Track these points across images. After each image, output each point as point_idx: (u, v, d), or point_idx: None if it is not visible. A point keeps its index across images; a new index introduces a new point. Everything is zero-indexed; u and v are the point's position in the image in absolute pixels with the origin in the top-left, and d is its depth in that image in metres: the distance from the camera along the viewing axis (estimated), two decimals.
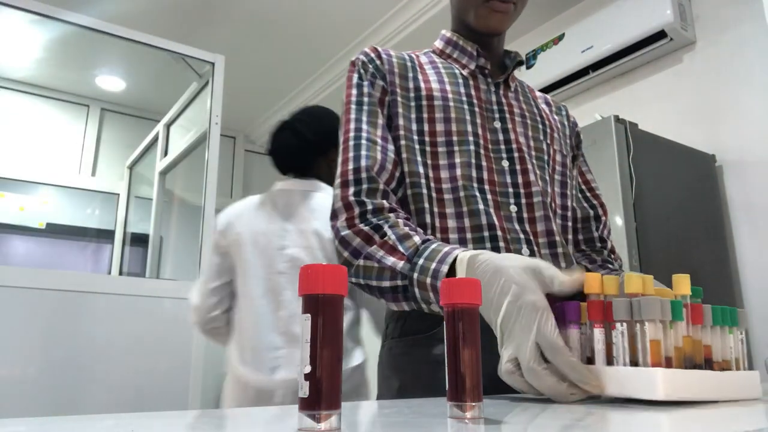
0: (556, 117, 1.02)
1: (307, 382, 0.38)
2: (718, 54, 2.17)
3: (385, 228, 0.75)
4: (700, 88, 2.20)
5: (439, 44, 1.00)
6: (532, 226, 0.85)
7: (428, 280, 0.66)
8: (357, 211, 0.77)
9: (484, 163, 0.87)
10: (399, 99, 0.90)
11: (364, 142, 0.84)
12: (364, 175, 0.80)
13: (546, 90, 2.66)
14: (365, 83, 0.90)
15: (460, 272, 0.62)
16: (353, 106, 0.88)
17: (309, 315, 0.39)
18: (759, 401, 0.54)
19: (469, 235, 0.81)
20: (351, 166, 0.81)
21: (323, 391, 0.37)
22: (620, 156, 1.73)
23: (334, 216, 0.79)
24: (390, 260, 0.71)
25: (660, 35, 2.22)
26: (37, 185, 3.52)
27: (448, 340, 0.45)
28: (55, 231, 3.53)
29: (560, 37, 2.57)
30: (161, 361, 1.94)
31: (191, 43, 2.35)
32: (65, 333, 1.90)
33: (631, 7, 2.31)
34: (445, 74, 0.95)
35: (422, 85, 0.92)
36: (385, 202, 0.78)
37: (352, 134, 0.85)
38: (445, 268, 0.65)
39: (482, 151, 0.88)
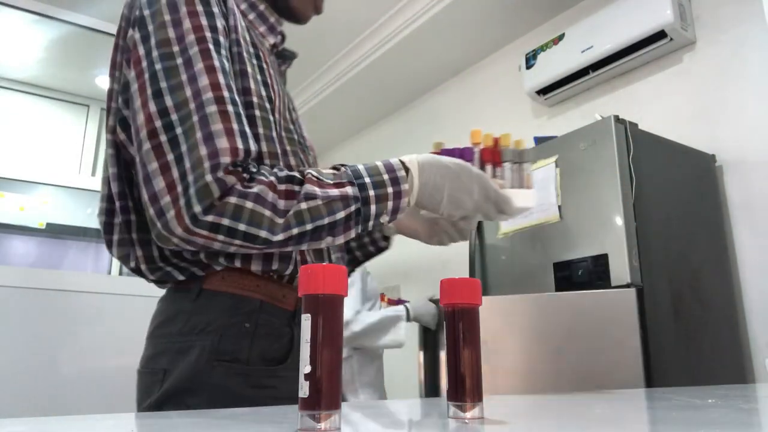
0: None
1: (307, 382, 0.38)
2: (718, 54, 2.17)
3: (281, 174, 0.64)
4: (700, 88, 2.20)
5: None
6: None
7: (390, 190, 0.67)
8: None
9: (302, 157, 0.78)
10: (245, 53, 0.71)
11: (241, 111, 0.65)
12: (253, 169, 0.64)
13: (546, 90, 2.66)
14: (216, 12, 0.67)
15: (417, 174, 0.70)
16: (212, 47, 0.65)
17: (309, 315, 0.39)
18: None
19: None
20: (240, 144, 0.62)
21: (323, 391, 0.37)
22: (620, 156, 1.73)
23: (221, 188, 0.59)
24: (335, 191, 0.65)
25: (660, 35, 2.22)
26: (37, 185, 3.52)
27: (449, 340, 0.45)
28: (55, 231, 3.52)
29: (560, 37, 2.57)
30: None
31: None
32: (65, 333, 1.90)
33: (631, 7, 2.30)
34: (255, 36, 0.78)
35: (255, 40, 0.75)
36: None
37: (226, 94, 0.63)
38: (402, 173, 0.69)
39: (299, 144, 0.78)
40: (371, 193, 0.66)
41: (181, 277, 0.70)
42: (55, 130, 3.69)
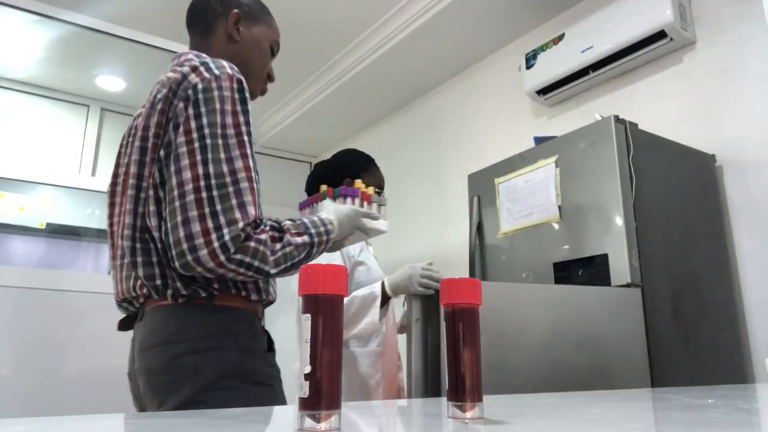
0: None
1: (307, 382, 0.38)
2: (718, 54, 2.17)
3: (269, 224, 0.93)
4: (700, 88, 2.20)
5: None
6: None
7: (325, 237, 1.00)
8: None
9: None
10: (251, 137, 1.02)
11: (256, 187, 0.93)
12: (258, 222, 0.92)
13: (546, 90, 2.66)
14: (248, 110, 0.96)
15: (337, 227, 1.03)
16: (246, 138, 0.93)
17: (309, 315, 0.39)
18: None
19: None
20: (258, 211, 0.91)
21: (323, 391, 0.37)
22: (620, 156, 1.73)
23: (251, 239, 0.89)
24: (299, 239, 0.95)
25: (660, 35, 2.22)
26: (37, 185, 3.52)
27: (449, 340, 0.45)
28: (55, 231, 3.52)
29: (560, 37, 2.57)
30: None
31: None
32: (65, 333, 1.89)
33: (631, 7, 2.30)
34: None
35: None
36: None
37: (254, 175, 0.92)
38: (330, 227, 1.01)
39: None
40: (316, 240, 0.97)
41: (203, 294, 0.92)
42: (55, 130, 3.69)
